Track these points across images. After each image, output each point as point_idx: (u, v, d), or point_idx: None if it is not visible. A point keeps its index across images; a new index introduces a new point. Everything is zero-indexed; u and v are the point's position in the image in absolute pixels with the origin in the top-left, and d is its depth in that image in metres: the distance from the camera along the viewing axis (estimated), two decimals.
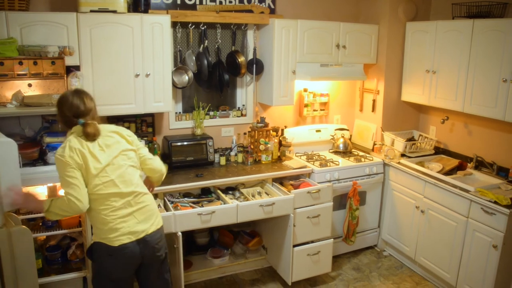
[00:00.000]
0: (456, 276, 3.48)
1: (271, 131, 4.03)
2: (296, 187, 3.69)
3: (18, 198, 2.43)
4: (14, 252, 2.51)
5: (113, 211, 2.35)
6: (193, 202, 3.41)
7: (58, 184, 3.30)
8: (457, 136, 4.13)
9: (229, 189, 3.67)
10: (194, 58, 3.75)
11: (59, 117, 2.43)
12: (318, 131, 4.41)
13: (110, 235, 2.35)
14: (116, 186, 2.36)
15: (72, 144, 2.30)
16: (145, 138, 3.72)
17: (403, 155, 4.18)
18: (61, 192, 2.51)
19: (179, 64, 3.74)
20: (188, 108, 4.04)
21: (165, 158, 3.76)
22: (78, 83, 3.22)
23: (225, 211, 3.27)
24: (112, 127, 2.49)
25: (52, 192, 3.26)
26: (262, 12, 3.88)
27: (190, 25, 3.73)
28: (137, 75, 3.34)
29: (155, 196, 3.36)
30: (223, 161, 3.90)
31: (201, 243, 4.00)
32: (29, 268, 2.61)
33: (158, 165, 2.69)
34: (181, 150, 3.73)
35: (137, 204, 2.44)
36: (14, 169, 2.53)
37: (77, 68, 3.31)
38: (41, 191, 3.36)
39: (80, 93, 2.41)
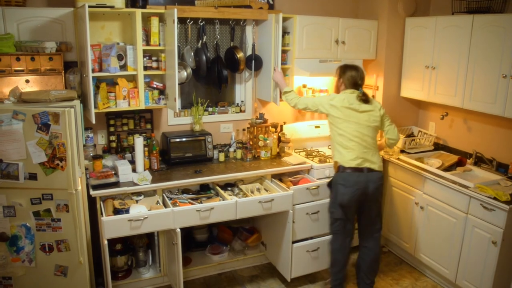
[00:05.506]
0: (456, 272, 3.48)
1: (270, 127, 4.02)
2: (295, 183, 3.68)
3: (276, 74, 3.75)
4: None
5: (351, 145, 3.23)
6: (192, 199, 3.40)
7: None
8: (456, 132, 4.12)
9: (228, 186, 3.67)
10: (192, 54, 3.73)
11: (344, 77, 3.34)
12: (317, 127, 4.40)
13: (345, 158, 3.23)
14: (357, 135, 3.23)
15: (339, 99, 3.28)
16: (144, 134, 3.71)
17: (402, 151, 4.17)
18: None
19: (178, 60, 3.72)
20: (187, 104, 4.02)
21: (163, 154, 3.75)
22: (75, 79, 3.22)
23: (224, 208, 3.27)
24: (375, 103, 3.35)
25: None
26: (261, 8, 3.85)
27: (188, 20, 3.71)
28: None
29: (154, 192, 3.37)
30: (222, 157, 3.89)
31: (200, 239, 4.00)
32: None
33: (394, 133, 3.43)
34: (179, 146, 3.72)
35: (366, 150, 3.25)
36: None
37: (75, 64, 3.30)
38: None
39: (360, 70, 3.38)
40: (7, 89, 2.96)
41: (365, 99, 3.27)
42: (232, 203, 3.28)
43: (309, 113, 4.48)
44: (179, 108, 3.86)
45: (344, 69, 3.37)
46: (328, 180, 3.68)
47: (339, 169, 3.27)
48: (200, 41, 3.78)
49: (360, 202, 3.28)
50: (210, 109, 4.07)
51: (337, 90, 3.44)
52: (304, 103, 3.51)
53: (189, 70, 3.70)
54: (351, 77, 3.32)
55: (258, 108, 4.23)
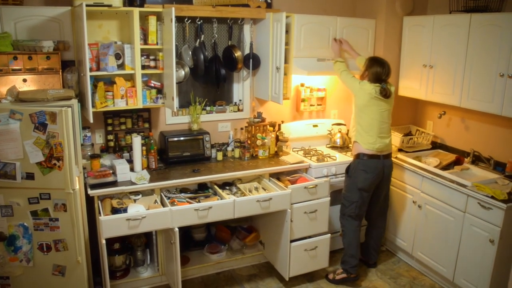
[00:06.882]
0: (453, 271, 3.49)
1: (268, 126, 4.02)
2: (293, 182, 3.68)
3: (334, 45, 3.97)
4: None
5: (371, 129, 3.48)
6: (190, 198, 3.40)
7: None
8: (454, 130, 4.13)
9: (226, 185, 3.66)
10: (190, 53, 3.73)
11: (369, 70, 3.47)
12: (315, 126, 4.40)
13: (366, 140, 3.49)
14: (377, 118, 3.48)
15: (369, 87, 3.46)
16: (141, 134, 3.70)
17: (400, 150, 4.18)
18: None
19: (176, 59, 3.71)
20: (185, 103, 4.02)
21: (161, 153, 3.75)
22: (73, 78, 3.21)
23: (222, 207, 3.26)
24: (392, 87, 3.55)
25: None
26: (258, 7, 3.85)
27: (186, 19, 3.70)
28: None
29: (152, 191, 3.36)
30: (220, 156, 3.89)
31: (198, 238, 3.99)
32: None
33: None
34: (177, 145, 3.72)
35: (383, 134, 3.51)
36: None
37: (72, 63, 3.29)
38: None
39: (387, 66, 3.48)
40: (4, 88, 2.95)
41: (385, 94, 3.44)
42: (230, 202, 3.28)
43: (307, 112, 4.48)
44: (177, 107, 3.86)
45: (371, 64, 3.50)
46: (325, 177, 3.70)
47: (359, 156, 3.52)
48: (198, 40, 3.77)
49: (376, 185, 3.59)
50: (208, 108, 4.07)
51: (362, 79, 3.60)
52: (342, 78, 3.72)
53: (187, 69, 3.70)
54: (375, 73, 3.46)
55: (256, 107, 4.23)
